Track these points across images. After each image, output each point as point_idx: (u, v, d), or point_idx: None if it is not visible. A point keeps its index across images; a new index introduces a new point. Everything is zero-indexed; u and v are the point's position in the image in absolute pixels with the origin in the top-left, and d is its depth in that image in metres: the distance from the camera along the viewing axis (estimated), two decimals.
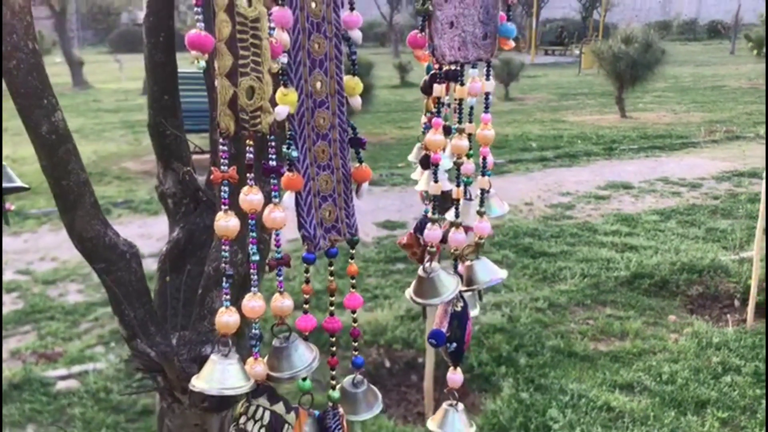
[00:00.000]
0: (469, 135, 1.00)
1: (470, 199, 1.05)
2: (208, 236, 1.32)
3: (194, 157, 1.98)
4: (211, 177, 0.66)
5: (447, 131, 1.04)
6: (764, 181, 3.91)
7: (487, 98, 0.95)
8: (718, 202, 6.77)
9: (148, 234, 6.12)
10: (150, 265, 5.35)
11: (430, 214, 0.95)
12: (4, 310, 4.53)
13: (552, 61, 28.81)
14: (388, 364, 3.72)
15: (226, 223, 0.66)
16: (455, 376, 1.01)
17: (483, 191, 1.01)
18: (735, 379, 3.53)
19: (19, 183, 1.00)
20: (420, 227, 1.08)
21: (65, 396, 3.42)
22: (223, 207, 0.66)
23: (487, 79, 0.93)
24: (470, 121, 0.99)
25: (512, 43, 0.88)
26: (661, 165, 8.58)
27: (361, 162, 0.82)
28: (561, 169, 8.49)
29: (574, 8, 36.72)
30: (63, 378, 3.57)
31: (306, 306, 0.82)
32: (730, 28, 31.90)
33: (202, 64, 0.63)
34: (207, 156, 1.53)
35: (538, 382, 3.51)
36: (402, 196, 7.05)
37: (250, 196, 0.67)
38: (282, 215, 0.70)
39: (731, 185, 7.46)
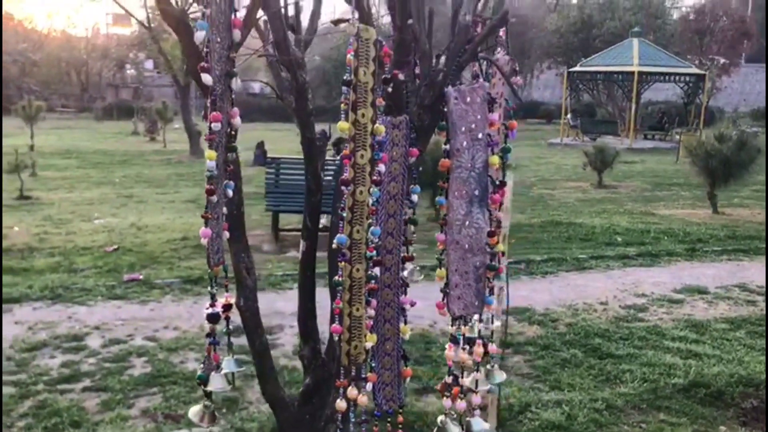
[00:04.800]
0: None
1: (478, 370, 1.68)
2: (326, 386, 2.03)
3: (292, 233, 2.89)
4: (336, 383, 1.35)
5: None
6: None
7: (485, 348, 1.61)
8: None
9: None
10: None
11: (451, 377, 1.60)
12: (137, 373, 5.37)
13: (651, 146, 28.80)
14: None
15: (342, 404, 1.35)
16: None
17: (477, 381, 1.65)
18: None
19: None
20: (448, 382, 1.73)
21: None
22: (340, 401, 1.35)
23: (480, 320, 1.59)
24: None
25: (492, 307, 1.53)
26: (742, 270, 8.80)
27: (406, 366, 1.50)
28: (641, 268, 8.86)
29: (678, 92, 36.59)
30: None
31: None
32: None
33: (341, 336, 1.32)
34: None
35: None
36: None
37: (352, 392, 1.35)
38: (365, 398, 1.37)
39: None
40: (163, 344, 5.94)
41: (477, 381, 1.65)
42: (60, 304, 6.99)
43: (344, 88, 1.43)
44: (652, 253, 9.66)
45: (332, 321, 2.07)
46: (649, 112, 36.92)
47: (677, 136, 27.07)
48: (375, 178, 1.32)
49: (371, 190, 1.31)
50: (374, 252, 1.29)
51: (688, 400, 4.98)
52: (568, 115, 31.27)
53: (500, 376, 1.73)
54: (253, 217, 12.36)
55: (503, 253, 1.79)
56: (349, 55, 1.46)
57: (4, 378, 5.22)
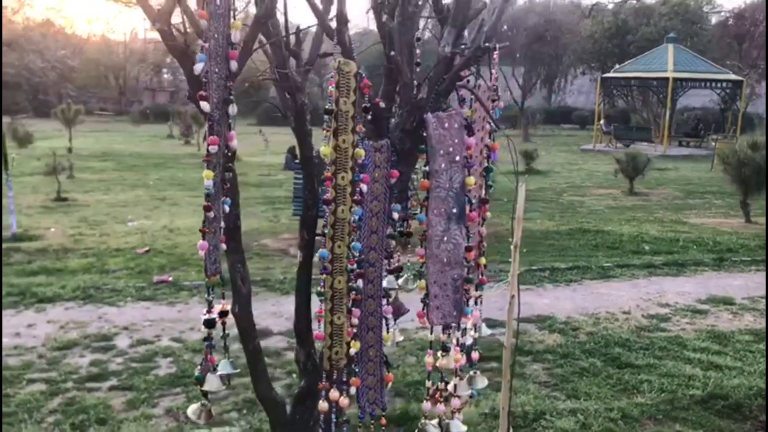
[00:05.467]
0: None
1: (458, 376, 1.76)
2: (315, 389, 2.15)
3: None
4: (319, 386, 1.44)
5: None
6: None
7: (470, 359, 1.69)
8: None
9: (279, 312, 7.02)
10: (278, 342, 6.20)
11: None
12: (162, 373, 5.52)
13: (686, 153, 28.46)
14: None
15: (324, 405, 1.44)
16: None
17: (456, 386, 1.73)
18: None
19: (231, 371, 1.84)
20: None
21: None
22: (322, 402, 1.44)
23: (457, 329, 1.67)
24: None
25: (470, 317, 1.62)
26: None
27: (389, 371, 1.59)
28: (667, 278, 8.80)
29: (715, 98, 36.04)
30: None
31: None
32: None
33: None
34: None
35: None
36: (507, 294, 7.61)
37: (333, 394, 1.44)
38: (347, 401, 1.46)
39: None
40: (188, 345, 6.10)
41: (456, 386, 1.73)
42: (91, 305, 7.20)
43: (326, 117, 1.55)
44: (679, 262, 9.59)
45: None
46: (684, 119, 36.45)
47: (713, 143, 26.67)
48: (356, 197, 1.42)
49: (353, 208, 1.42)
50: (355, 265, 1.39)
51: (706, 412, 4.97)
52: (602, 121, 31.04)
53: (482, 382, 1.82)
54: (281, 221, 12.54)
55: (485, 266, 1.88)
56: (330, 87, 1.58)
57: (36, 375, 5.42)
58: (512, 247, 3.80)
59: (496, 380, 5.04)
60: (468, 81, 1.83)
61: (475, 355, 1.75)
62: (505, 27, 43.23)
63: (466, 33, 1.92)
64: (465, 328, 1.71)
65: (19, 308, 7.04)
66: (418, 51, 1.87)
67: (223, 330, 1.80)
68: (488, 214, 1.85)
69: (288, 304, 7.51)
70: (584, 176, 20.93)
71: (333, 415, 1.45)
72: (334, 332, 1.46)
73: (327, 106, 1.57)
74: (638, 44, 36.40)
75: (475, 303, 1.79)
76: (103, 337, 6.26)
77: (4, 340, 6.13)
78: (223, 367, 1.76)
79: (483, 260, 1.83)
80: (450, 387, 1.72)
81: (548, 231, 12.00)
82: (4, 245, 10.00)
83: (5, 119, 12.12)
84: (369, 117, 1.58)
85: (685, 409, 5.00)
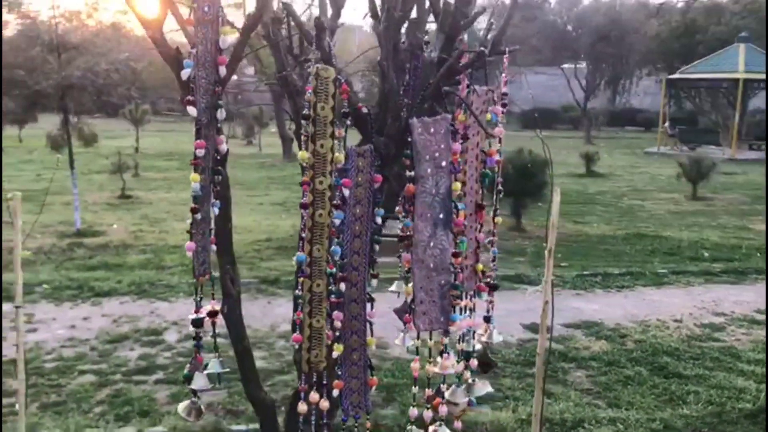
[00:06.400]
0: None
1: (459, 386, 1.76)
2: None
3: None
4: (298, 388, 1.47)
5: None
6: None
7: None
8: None
9: None
10: None
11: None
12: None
13: (756, 157, 27.43)
14: None
15: (303, 407, 1.46)
16: None
17: (443, 393, 1.72)
18: None
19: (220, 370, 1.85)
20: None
21: None
22: (301, 404, 1.46)
23: (444, 335, 1.67)
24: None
25: (460, 324, 1.61)
26: None
27: (372, 375, 1.60)
28: (724, 285, 8.52)
29: None
30: None
31: None
32: None
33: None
34: None
35: None
36: (556, 299, 7.48)
37: (313, 397, 1.46)
38: (327, 404, 1.48)
39: None
40: None
41: (444, 393, 1.73)
42: (145, 299, 7.42)
43: (303, 122, 1.57)
44: (740, 270, 9.27)
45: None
46: (756, 121, 35.11)
47: None
48: (335, 202, 1.44)
49: (332, 213, 1.44)
50: (334, 269, 1.41)
51: (754, 426, 4.80)
52: (666, 124, 30.21)
53: (481, 390, 1.80)
54: None
55: (483, 273, 1.87)
56: (308, 93, 1.60)
57: (87, 367, 5.62)
58: (546, 252, 3.74)
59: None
60: (468, 86, 1.82)
61: (472, 362, 1.75)
62: (570, 27, 42.59)
63: (465, 38, 1.91)
64: (463, 334, 1.71)
65: (77, 302, 7.31)
66: (425, 54, 1.88)
67: (213, 330, 1.84)
68: (498, 219, 1.84)
69: None
70: (646, 180, 20.42)
71: (313, 417, 1.47)
72: (313, 335, 1.48)
73: (304, 112, 1.60)
74: (708, 44, 35.22)
75: (488, 311, 1.79)
76: (153, 332, 6.44)
77: (60, 331, 6.39)
78: (213, 366, 1.80)
79: (480, 267, 1.82)
80: (448, 394, 1.72)
81: (604, 235, 11.78)
82: (68, 240, 10.41)
83: (72, 119, 12.54)
84: (348, 122, 1.60)
85: (732, 423, 4.84)
